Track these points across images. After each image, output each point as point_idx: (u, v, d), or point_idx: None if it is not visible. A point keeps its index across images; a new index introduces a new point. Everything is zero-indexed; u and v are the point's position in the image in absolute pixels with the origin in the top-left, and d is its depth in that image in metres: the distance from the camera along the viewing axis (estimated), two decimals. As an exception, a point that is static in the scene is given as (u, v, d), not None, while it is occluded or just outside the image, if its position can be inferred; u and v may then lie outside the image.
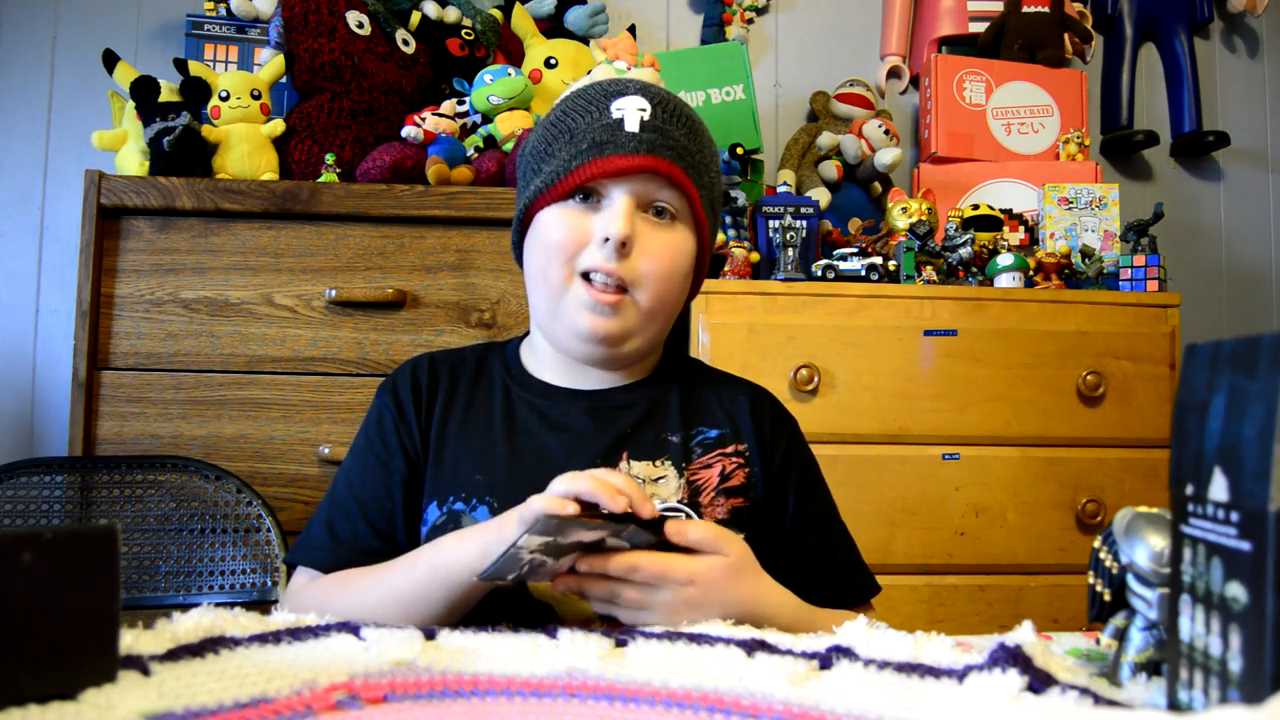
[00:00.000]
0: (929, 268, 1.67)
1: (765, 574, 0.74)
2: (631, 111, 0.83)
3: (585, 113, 0.85)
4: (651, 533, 0.68)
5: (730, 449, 0.89)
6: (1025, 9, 2.06)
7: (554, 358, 0.91)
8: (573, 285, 0.83)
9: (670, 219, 0.85)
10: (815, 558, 0.90)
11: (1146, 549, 0.55)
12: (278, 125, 1.66)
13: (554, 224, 0.84)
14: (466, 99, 1.72)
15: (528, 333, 0.96)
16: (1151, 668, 0.56)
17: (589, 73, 1.65)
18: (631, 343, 0.86)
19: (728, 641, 0.58)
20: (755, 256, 1.68)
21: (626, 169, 0.81)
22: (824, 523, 0.92)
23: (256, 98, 1.66)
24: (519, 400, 0.89)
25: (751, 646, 0.57)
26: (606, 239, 0.81)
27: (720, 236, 1.69)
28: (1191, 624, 0.47)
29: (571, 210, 0.84)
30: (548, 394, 0.89)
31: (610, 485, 0.67)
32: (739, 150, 1.71)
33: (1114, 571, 0.58)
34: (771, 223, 1.69)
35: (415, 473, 0.87)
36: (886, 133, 1.96)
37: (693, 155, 0.86)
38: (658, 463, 0.86)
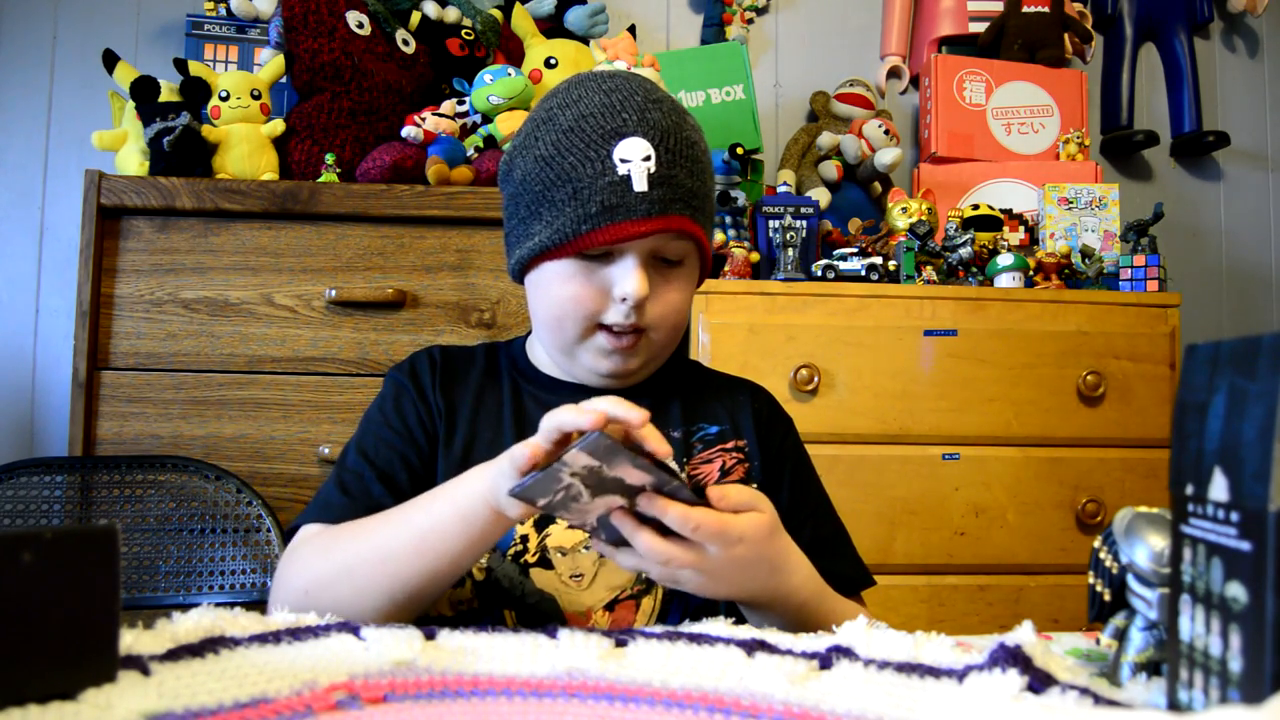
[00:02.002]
0: (929, 268, 1.67)
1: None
2: (638, 164, 0.80)
3: (585, 160, 0.80)
4: (694, 493, 0.65)
5: (730, 444, 0.90)
6: (1025, 9, 2.06)
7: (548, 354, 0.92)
8: (591, 335, 0.84)
9: (680, 264, 0.85)
10: (810, 550, 0.90)
11: (1146, 549, 0.55)
12: (278, 125, 1.66)
13: (566, 281, 0.83)
14: (466, 99, 1.72)
15: (530, 331, 0.96)
16: (1151, 668, 0.56)
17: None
18: (647, 370, 0.89)
19: (728, 641, 0.58)
20: (755, 256, 1.68)
21: (642, 234, 0.80)
22: (818, 515, 0.93)
23: (256, 98, 1.66)
24: (526, 393, 0.91)
25: (751, 646, 0.57)
26: (624, 299, 0.81)
27: (720, 236, 1.69)
28: (1191, 624, 0.47)
29: (583, 266, 0.82)
30: (555, 389, 0.90)
31: (656, 431, 0.65)
32: (739, 150, 1.71)
33: (1114, 571, 0.58)
34: (771, 223, 1.69)
35: (431, 450, 0.87)
36: (886, 133, 1.96)
37: (699, 196, 0.84)
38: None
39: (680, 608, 0.84)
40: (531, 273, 0.86)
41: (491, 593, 0.83)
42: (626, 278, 0.81)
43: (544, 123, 0.84)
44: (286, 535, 0.84)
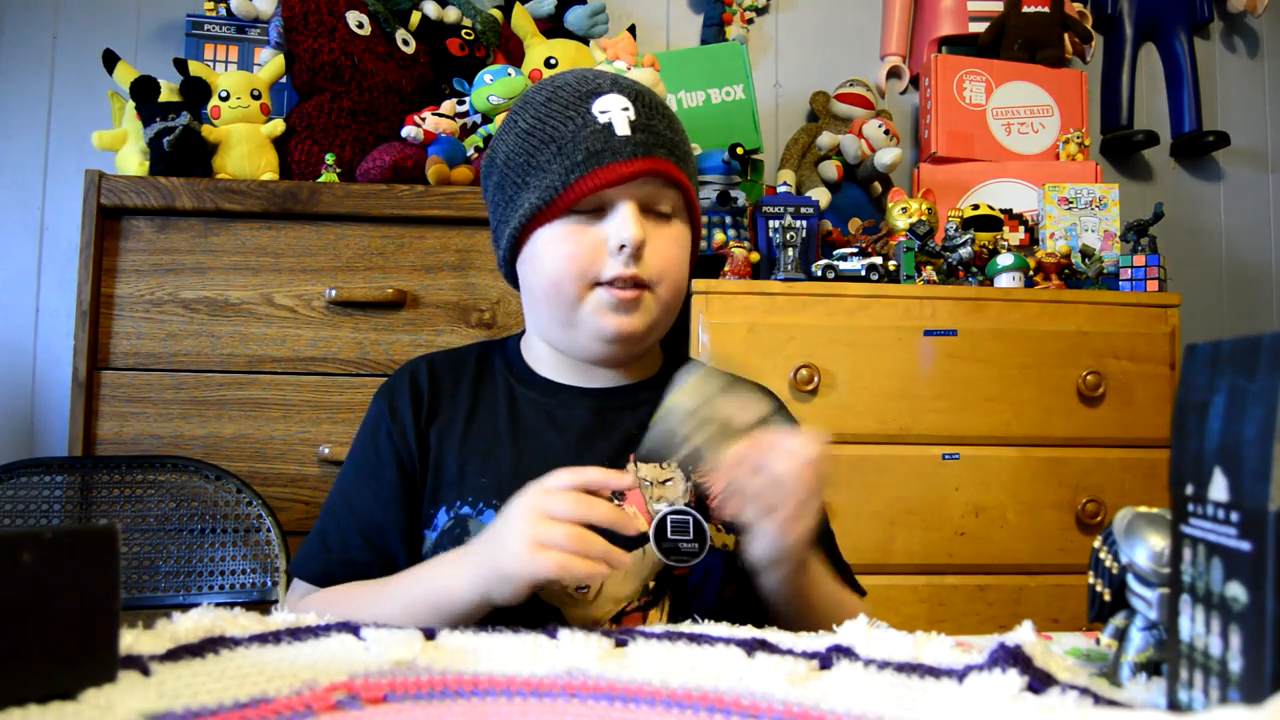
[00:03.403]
0: (929, 268, 1.67)
1: None
2: (618, 113, 0.82)
3: (566, 119, 0.82)
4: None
5: None
6: (1025, 9, 2.06)
7: (555, 357, 0.90)
8: (590, 294, 0.83)
9: (664, 217, 0.85)
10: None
11: (1146, 549, 0.55)
12: (278, 125, 1.66)
13: (562, 240, 0.82)
14: (466, 99, 1.72)
15: (524, 330, 0.95)
16: (1151, 668, 0.56)
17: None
18: (650, 338, 0.88)
19: (728, 641, 0.58)
20: (755, 256, 1.68)
21: (630, 175, 0.80)
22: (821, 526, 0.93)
23: (256, 98, 1.66)
24: (523, 399, 0.89)
25: (751, 646, 0.57)
26: (621, 246, 0.80)
27: (720, 236, 1.69)
28: (1191, 624, 0.47)
29: (575, 225, 0.82)
30: (552, 392, 0.89)
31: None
32: (739, 150, 1.71)
33: (1114, 572, 0.58)
34: (771, 223, 1.69)
35: (410, 482, 0.86)
36: (886, 133, 1.96)
37: (680, 148, 0.86)
38: (664, 465, 0.86)
39: (688, 620, 0.82)
40: (523, 250, 0.86)
41: (496, 608, 0.82)
42: (622, 224, 0.81)
43: (519, 108, 0.87)
44: (289, 573, 0.86)
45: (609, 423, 0.87)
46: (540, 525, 0.68)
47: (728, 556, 0.84)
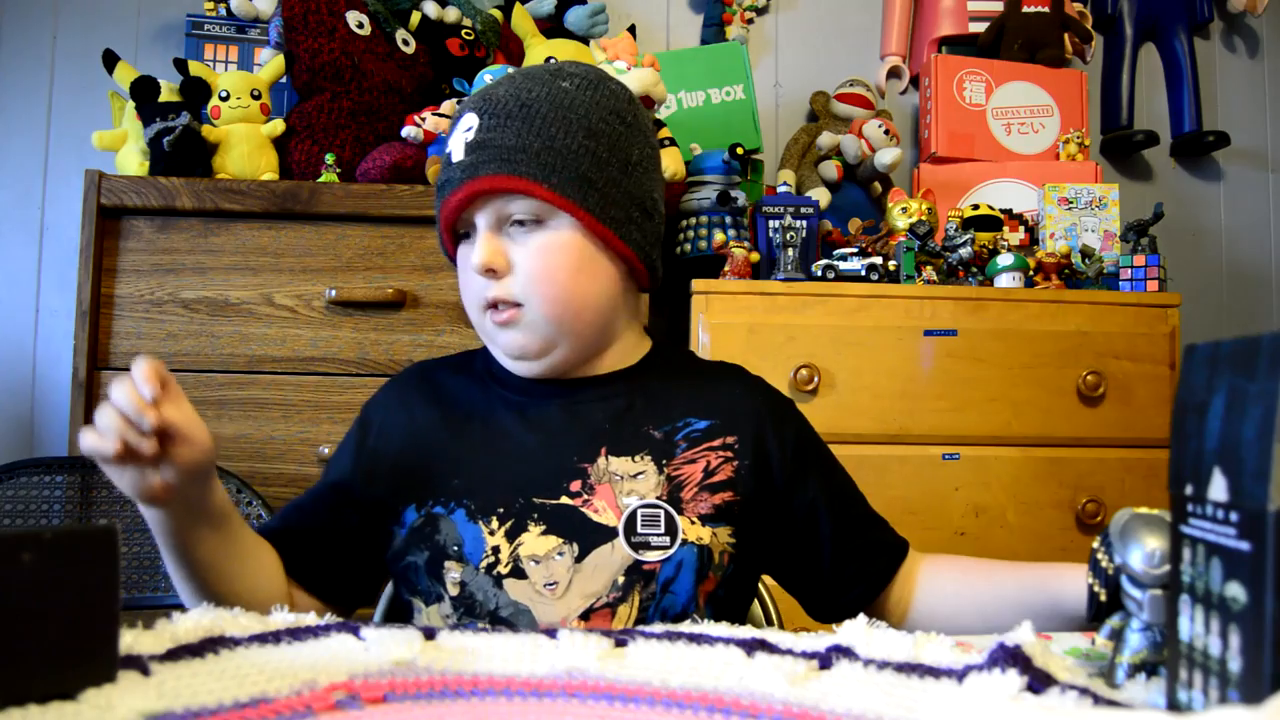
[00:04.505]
0: (929, 268, 1.67)
1: None
2: (458, 138, 0.83)
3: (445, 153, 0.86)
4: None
5: (719, 441, 0.87)
6: (1025, 9, 2.06)
7: None
8: (484, 318, 0.85)
9: (534, 224, 0.82)
10: (860, 526, 0.92)
11: (1140, 550, 0.55)
12: (278, 125, 1.66)
13: (460, 269, 0.87)
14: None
15: None
16: (1148, 669, 0.56)
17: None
18: (559, 350, 0.85)
19: (728, 641, 0.58)
20: (755, 256, 1.68)
21: (457, 205, 0.82)
22: (851, 493, 0.93)
23: (256, 98, 1.66)
24: (498, 400, 0.89)
25: (751, 646, 0.57)
26: (474, 272, 0.83)
27: (720, 236, 1.69)
28: (1191, 624, 0.47)
29: (463, 250, 0.86)
30: (526, 390, 0.89)
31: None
32: (739, 150, 1.71)
33: (1110, 572, 0.59)
34: (771, 223, 1.69)
35: (356, 486, 0.88)
36: (886, 133, 1.96)
37: (531, 148, 0.80)
38: (637, 458, 0.84)
39: (659, 616, 0.81)
40: None
41: (467, 607, 0.81)
42: (475, 251, 0.82)
43: None
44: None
45: (580, 418, 0.87)
46: (99, 408, 0.69)
47: (702, 551, 0.82)
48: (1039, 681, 0.51)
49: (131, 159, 1.64)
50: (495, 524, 0.81)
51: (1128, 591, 0.57)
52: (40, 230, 1.98)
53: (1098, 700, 0.50)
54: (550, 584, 0.80)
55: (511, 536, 0.81)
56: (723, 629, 0.61)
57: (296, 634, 0.58)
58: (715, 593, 0.83)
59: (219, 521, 0.78)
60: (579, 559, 0.80)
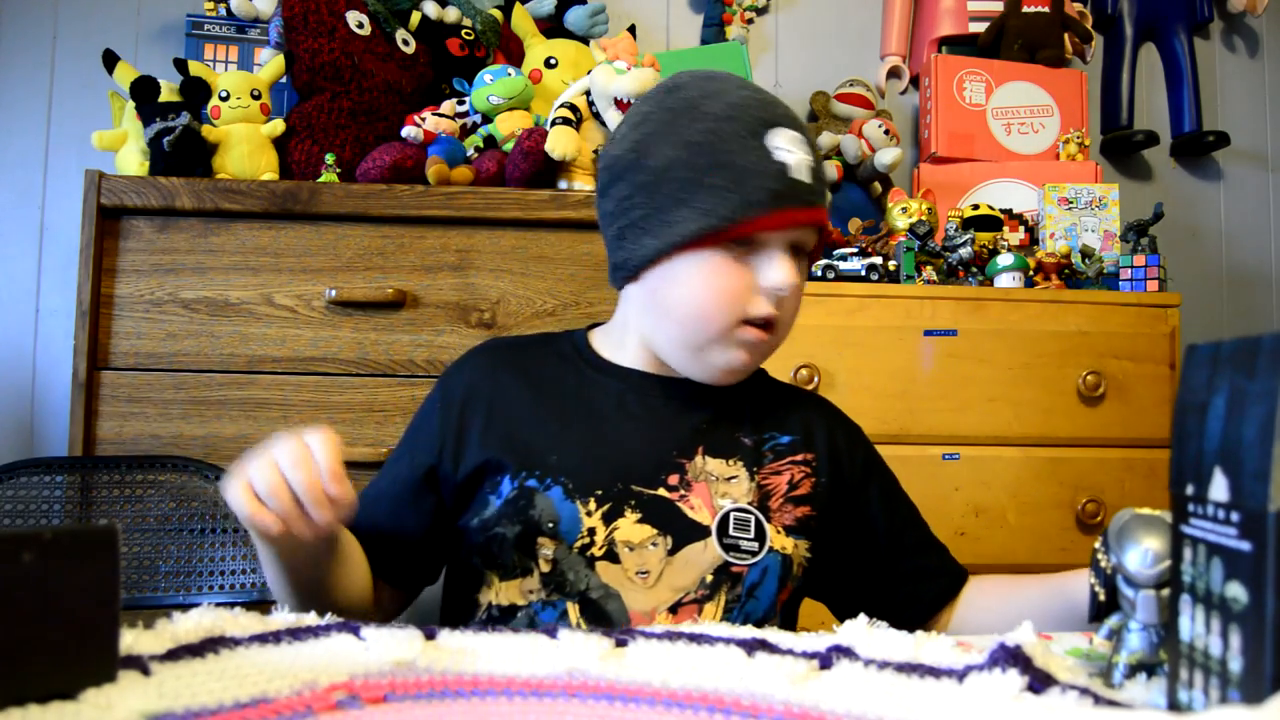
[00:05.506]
0: (929, 268, 1.67)
1: None
2: (798, 155, 0.81)
3: (744, 147, 0.80)
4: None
5: (800, 457, 0.90)
6: (1025, 9, 2.06)
7: (642, 354, 0.90)
8: (733, 331, 0.83)
9: (807, 257, 0.88)
10: (918, 550, 0.95)
11: (1138, 551, 0.55)
12: (278, 125, 1.66)
13: (715, 273, 0.81)
14: (466, 99, 1.72)
15: (593, 325, 0.97)
16: (1147, 669, 0.56)
17: (588, 73, 1.65)
18: None
19: (728, 641, 0.58)
20: (755, 256, 1.68)
21: (804, 223, 0.82)
22: (915, 519, 0.96)
23: (256, 98, 1.66)
24: (595, 384, 0.89)
25: (751, 646, 0.57)
26: (773, 289, 0.82)
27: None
28: (1191, 624, 0.47)
29: (729, 259, 0.82)
30: (624, 378, 0.90)
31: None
32: (739, 150, 1.71)
33: (1108, 573, 0.59)
34: (771, 223, 1.68)
35: (445, 464, 0.87)
36: (886, 133, 1.96)
37: (825, 191, 0.86)
38: (731, 462, 0.86)
39: (743, 619, 0.83)
40: (660, 266, 0.84)
41: (556, 584, 0.82)
42: (775, 268, 0.81)
43: (685, 111, 0.83)
44: None
45: (679, 413, 0.88)
46: (255, 463, 0.68)
47: (785, 560, 0.85)
48: (1039, 681, 0.51)
49: (131, 159, 1.64)
50: (593, 505, 0.82)
51: (1123, 591, 0.57)
52: (40, 230, 1.97)
53: (1098, 700, 0.50)
54: (642, 572, 0.81)
55: (608, 520, 0.82)
56: (723, 629, 0.61)
57: (297, 634, 0.58)
58: (789, 602, 0.87)
59: (333, 546, 0.78)
60: (671, 552, 0.82)
